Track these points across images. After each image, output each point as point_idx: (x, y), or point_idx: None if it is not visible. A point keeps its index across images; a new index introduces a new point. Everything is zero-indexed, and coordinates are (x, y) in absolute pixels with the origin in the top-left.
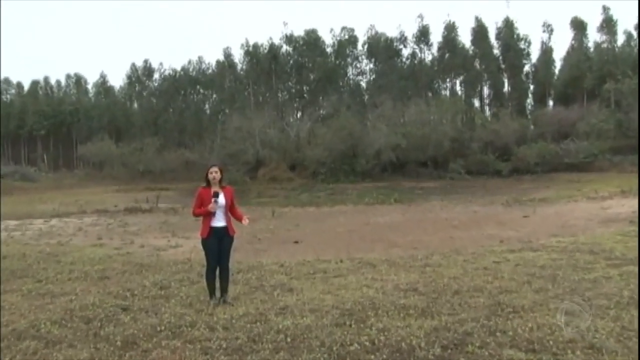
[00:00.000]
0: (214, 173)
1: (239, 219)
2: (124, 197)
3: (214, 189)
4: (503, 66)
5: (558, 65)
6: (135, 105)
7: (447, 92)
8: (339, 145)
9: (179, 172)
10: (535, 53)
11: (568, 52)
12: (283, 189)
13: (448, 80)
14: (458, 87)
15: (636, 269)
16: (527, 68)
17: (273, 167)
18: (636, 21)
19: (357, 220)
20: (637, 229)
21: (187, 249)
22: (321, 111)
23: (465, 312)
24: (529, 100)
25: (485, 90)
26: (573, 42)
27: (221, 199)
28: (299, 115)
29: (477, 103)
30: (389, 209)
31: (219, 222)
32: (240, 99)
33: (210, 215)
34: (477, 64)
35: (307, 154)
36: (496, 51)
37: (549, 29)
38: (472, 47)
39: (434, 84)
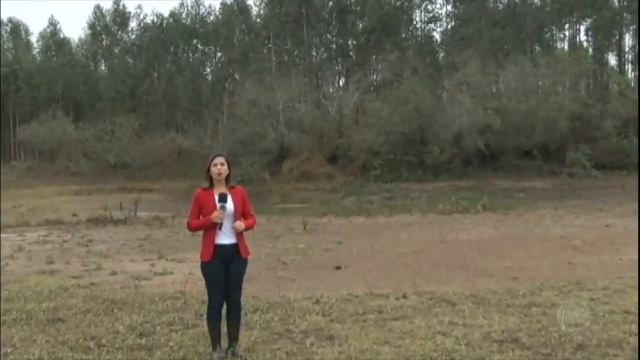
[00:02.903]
0: (219, 166)
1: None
2: (87, 201)
3: (219, 190)
4: None
5: None
6: (103, 67)
7: (566, 45)
8: (401, 127)
9: (168, 166)
10: None
11: None
12: (319, 190)
13: (567, 26)
14: (583, 37)
15: None
16: None
17: (304, 159)
18: None
19: (427, 237)
20: None
21: (179, 278)
22: (374, 77)
23: None
24: None
25: (627, 41)
26: None
27: (229, 205)
28: (341, 83)
29: (613, 60)
30: (474, 220)
31: (226, 238)
32: (257, 59)
33: (214, 228)
34: (614, 1)
35: (353, 139)
36: None
37: None
38: None
39: (545, 33)
